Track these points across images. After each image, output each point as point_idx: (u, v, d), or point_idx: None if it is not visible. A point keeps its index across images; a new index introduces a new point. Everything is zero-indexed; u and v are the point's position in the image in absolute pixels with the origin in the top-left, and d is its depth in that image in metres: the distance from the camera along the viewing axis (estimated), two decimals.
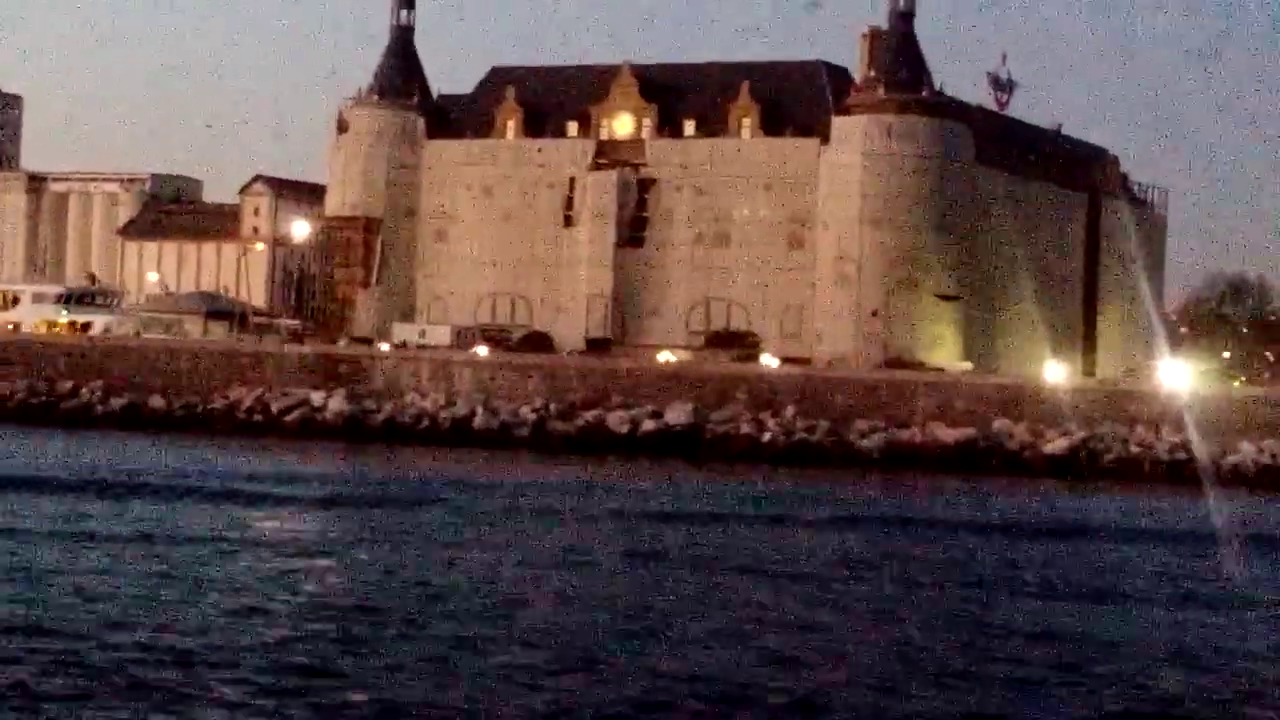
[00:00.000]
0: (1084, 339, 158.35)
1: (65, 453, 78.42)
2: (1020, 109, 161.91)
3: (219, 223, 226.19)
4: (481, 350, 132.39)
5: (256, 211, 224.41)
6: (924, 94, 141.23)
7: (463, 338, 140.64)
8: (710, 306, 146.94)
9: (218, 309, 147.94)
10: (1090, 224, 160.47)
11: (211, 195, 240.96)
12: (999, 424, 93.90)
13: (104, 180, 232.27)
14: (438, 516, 58.51)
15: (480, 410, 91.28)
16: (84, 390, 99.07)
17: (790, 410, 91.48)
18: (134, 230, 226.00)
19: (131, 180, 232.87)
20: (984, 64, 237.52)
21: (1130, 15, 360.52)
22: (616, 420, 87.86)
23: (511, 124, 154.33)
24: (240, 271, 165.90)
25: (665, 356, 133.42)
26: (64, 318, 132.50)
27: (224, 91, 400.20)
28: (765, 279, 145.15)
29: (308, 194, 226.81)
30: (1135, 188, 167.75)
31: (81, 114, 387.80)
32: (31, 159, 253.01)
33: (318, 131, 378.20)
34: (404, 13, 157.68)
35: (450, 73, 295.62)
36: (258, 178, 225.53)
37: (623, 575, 45.98)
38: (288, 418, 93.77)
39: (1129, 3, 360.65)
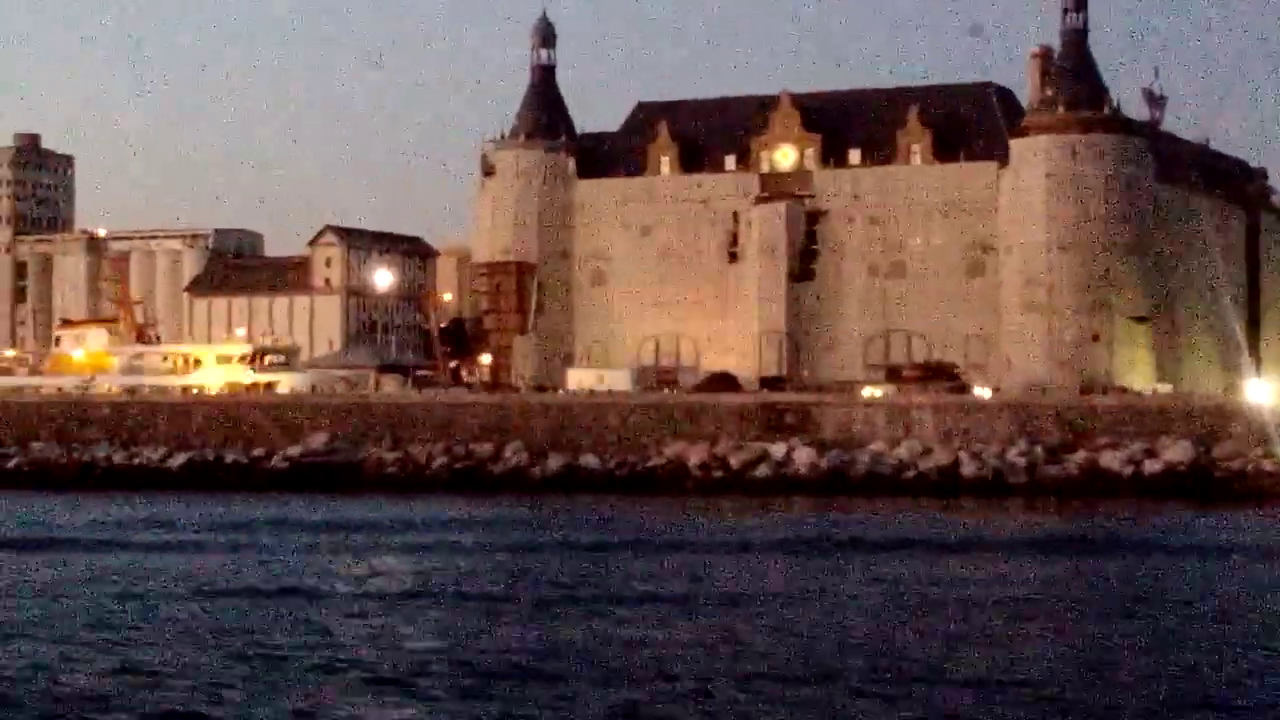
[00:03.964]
0: (1251, 356, 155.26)
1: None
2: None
3: (287, 275, 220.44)
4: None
5: (328, 263, 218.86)
6: (1105, 112, 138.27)
7: (645, 380, 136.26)
8: (890, 339, 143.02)
9: (389, 363, 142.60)
10: (1250, 239, 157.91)
11: (273, 248, 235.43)
12: None
13: (166, 237, 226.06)
14: None
15: (966, 457, 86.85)
16: (508, 452, 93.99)
17: None
18: (201, 286, 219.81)
19: (195, 236, 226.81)
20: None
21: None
22: (1115, 461, 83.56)
23: (666, 160, 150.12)
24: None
25: (869, 392, 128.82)
26: (249, 378, 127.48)
27: (278, 144, 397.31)
28: (945, 308, 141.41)
29: (378, 242, 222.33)
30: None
31: (130, 172, 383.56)
32: (80, 219, 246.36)
33: (384, 180, 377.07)
34: (545, 52, 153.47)
35: (588, 110, 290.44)
36: (327, 228, 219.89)
37: None
38: (752, 473, 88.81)
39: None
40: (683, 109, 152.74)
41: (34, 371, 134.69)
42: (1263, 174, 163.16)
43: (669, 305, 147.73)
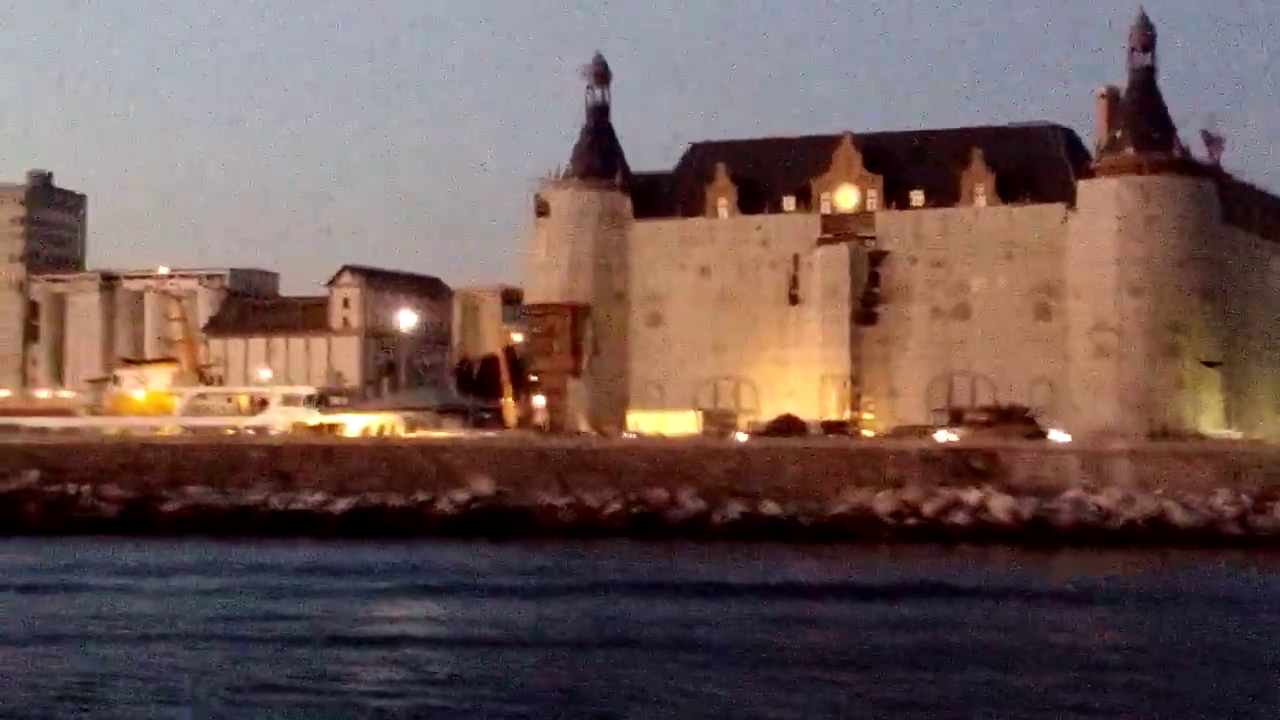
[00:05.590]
0: None
1: None
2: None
3: (305, 315, 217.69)
4: (741, 437, 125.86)
5: (346, 303, 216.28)
6: (1174, 153, 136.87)
7: (711, 423, 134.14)
8: (954, 382, 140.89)
9: (448, 405, 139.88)
10: None
11: (287, 288, 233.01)
12: None
13: (182, 277, 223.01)
14: None
15: (1175, 506, 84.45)
16: (683, 499, 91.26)
17: None
18: (219, 327, 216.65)
19: (210, 276, 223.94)
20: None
21: None
22: None
23: (724, 201, 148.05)
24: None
25: (944, 436, 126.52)
26: (315, 419, 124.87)
27: (292, 183, 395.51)
28: (1011, 352, 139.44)
29: (396, 283, 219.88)
30: None
31: (138, 211, 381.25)
32: (93, 258, 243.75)
33: (401, 222, 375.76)
34: (599, 91, 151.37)
35: (637, 150, 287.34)
36: (346, 268, 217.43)
37: None
38: (948, 520, 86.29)
39: None
40: (739, 149, 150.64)
41: (93, 412, 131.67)
42: None
43: (727, 348, 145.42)
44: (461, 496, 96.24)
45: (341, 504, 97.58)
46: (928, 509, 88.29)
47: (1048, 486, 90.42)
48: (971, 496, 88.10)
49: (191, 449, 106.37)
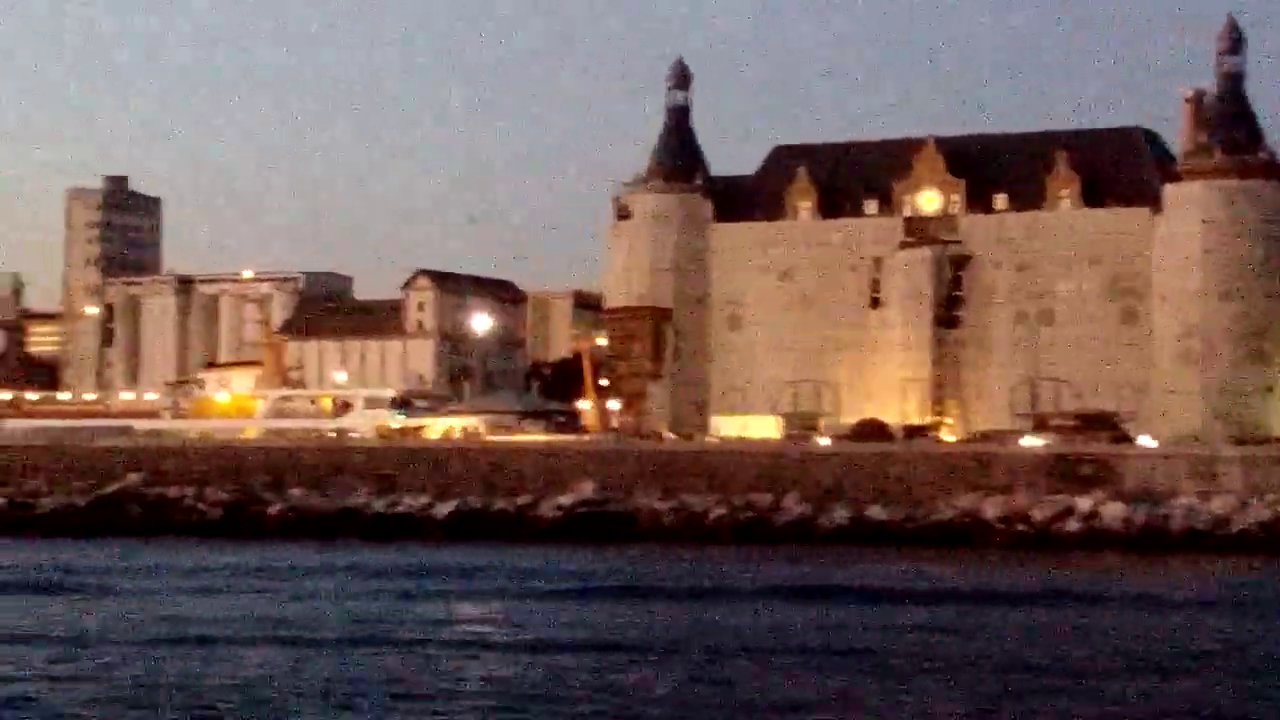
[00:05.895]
0: None
1: None
2: None
3: (379, 319, 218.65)
4: (824, 441, 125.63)
5: (421, 306, 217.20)
6: (1262, 156, 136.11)
7: (792, 427, 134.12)
8: (1038, 387, 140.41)
9: (530, 409, 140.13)
10: None
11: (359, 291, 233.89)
12: None
13: (258, 281, 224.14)
14: None
15: None
16: (789, 503, 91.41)
17: None
18: (293, 329, 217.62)
19: (285, 279, 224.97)
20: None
21: None
22: None
23: (805, 204, 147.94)
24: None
25: (1030, 442, 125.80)
26: (398, 422, 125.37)
27: (363, 187, 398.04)
28: (1096, 356, 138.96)
29: (469, 287, 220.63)
30: None
31: (212, 214, 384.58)
32: (168, 261, 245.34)
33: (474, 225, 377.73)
34: (679, 93, 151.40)
35: (716, 153, 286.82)
36: (420, 272, 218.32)
37: None
38: (1059, 527, 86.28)
39: None
40: (821, 152, 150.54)
41: (176, 415, 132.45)
42: None
43: (808, 351, 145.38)
44: (565, 500, 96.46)
45: (444, 508, 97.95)
46: (1037, 515, 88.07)
47: (1157, 492, 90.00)
48: (1084, 503, 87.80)
49: (290, 452, 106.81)
